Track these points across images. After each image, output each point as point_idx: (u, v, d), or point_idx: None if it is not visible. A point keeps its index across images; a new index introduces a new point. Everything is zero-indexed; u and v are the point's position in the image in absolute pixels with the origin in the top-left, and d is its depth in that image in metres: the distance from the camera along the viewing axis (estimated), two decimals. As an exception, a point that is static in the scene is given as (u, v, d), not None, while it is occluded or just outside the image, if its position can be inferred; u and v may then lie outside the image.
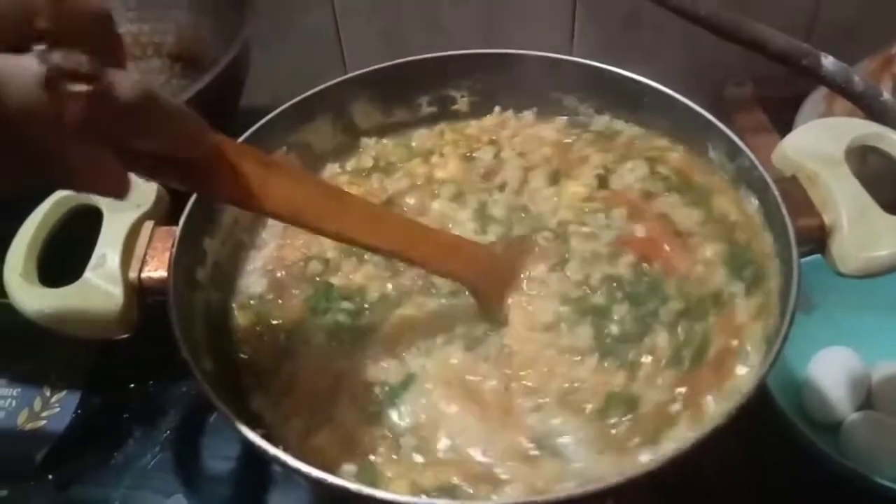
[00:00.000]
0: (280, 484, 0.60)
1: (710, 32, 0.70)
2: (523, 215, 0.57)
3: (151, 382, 0.68)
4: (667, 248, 0.52)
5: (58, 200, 0.53)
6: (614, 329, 0.48)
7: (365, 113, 0.65)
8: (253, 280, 0.56)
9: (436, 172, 0.61)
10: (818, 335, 0.67)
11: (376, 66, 0.63)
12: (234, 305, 0.54)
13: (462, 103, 0.66)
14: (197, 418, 0.65)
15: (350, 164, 0.63)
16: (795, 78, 0.71)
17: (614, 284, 0.51)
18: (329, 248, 0.55)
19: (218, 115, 0.73)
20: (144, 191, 0.53)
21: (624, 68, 0.59)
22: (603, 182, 0.58)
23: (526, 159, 0.61)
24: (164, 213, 0.54)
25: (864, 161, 0.62)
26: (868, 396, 0.66)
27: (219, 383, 0.47)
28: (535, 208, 0.57)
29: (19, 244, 0.51)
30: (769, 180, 0.48)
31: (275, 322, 0.52)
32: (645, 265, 0.51)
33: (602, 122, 0.63)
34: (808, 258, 0.62)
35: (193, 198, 0.53)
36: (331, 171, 0.63)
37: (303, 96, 0.61)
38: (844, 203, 0.47)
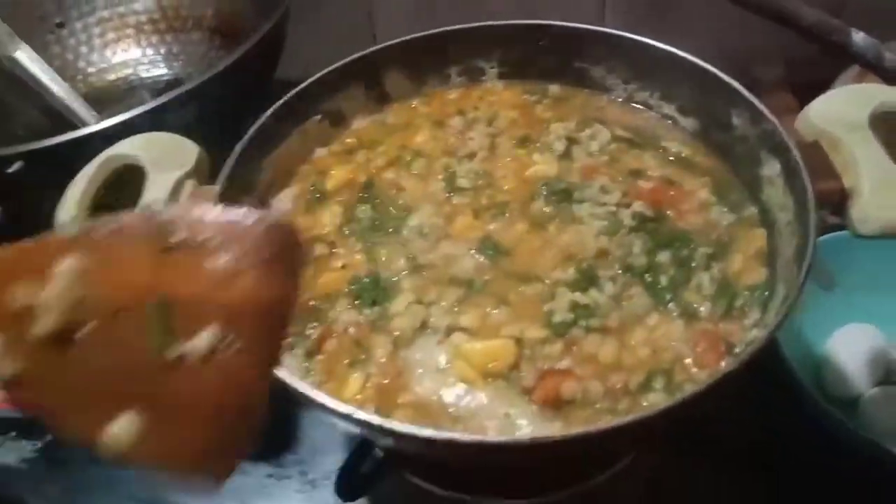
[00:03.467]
0: (305, 435, 0.62)
1: (738, 6, 0.70)
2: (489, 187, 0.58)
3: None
4: (671, 193, 0.55)
5: (106, 159, 0.56)
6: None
7: (396, 82, 0.66)
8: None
9: (410, 143, 0.63)
10: (839, 312, 0.68)
11: (408, 37, 0.65)
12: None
13: (491, 74, 0.68)
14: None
15: (335, 146, 0.64)
16: (826, 61, 0.70)
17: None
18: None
19: (253, 85, 0.77)
20: (187, 151, 0.56)
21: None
22: (566, 159, 0.59)
23: (493, 126, 0.63)
24: (204, 173, 0.56)
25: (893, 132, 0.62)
26: (888, 372, 0.66)
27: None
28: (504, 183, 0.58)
29: (70, 199, 0.53)
30: (791, 144, 0.49)
31: None
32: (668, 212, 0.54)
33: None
34: (832, 235, 0.63)
35: (232, 158, 0.55)
36: (319, 154, 0.64)
37: (337, 65, 0.63)
38: (866, 167, 0.47)
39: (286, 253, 0.33)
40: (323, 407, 0.41)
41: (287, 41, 0.83)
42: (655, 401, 0.44)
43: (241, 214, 0.33)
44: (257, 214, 0.35)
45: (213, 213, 0.33)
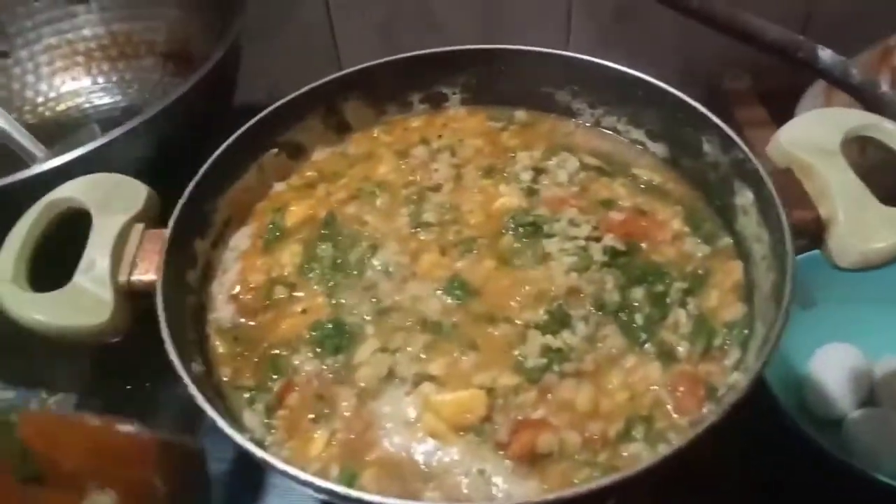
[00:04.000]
0: (277, 486, 0.59)
1: (702, 25, 0.69)
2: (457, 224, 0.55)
3: (148, 384, 0.68)
4: (644, 224, 0.53)
5: (47, 204, 0.53)
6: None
7: (356, 111, 0.64)
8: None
9: (373, 175, 0.60)
10: (819, 331, 0.67)
11: (366, 65, 0.62)
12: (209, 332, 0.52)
13: (454, 100, 0.66)
14: (194, 419, 0.64)
15: (295, 180, 0.62)
16: (794, 71, 0.70)
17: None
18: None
19: (210, 113, 0.74)
20: (134, 193, 0.53)
21: (621, 62, 0.59)
22: (533, 191, 0.57)
23: (458, 156, 0.61)
24: (154, 215, 0.53)
25: (864, 153, 0.61)
26: (870, 392, 0.66)
27: (209, 385, 0.47)
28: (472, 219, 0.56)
29: (9, 249, 0.50)
30: (763, 173, 0.48)
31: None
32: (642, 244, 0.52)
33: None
34: (808, 254, 0.62)
35: (183, 199, 0.52)
36: (277, 189, 0.61)
37: (293, 95, 0.60)
38: (840, 195, 0.46)
39: (184, 484, 0.25)
40: (284, 474, 0.39)
41: (249, 63, 0.80)
42: (636, 451, 0.42)
43: (127, 434, 0.26)
44: (147, 434, 0.28)
45: (92, 436, 0.26)
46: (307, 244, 0.56)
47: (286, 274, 0.54)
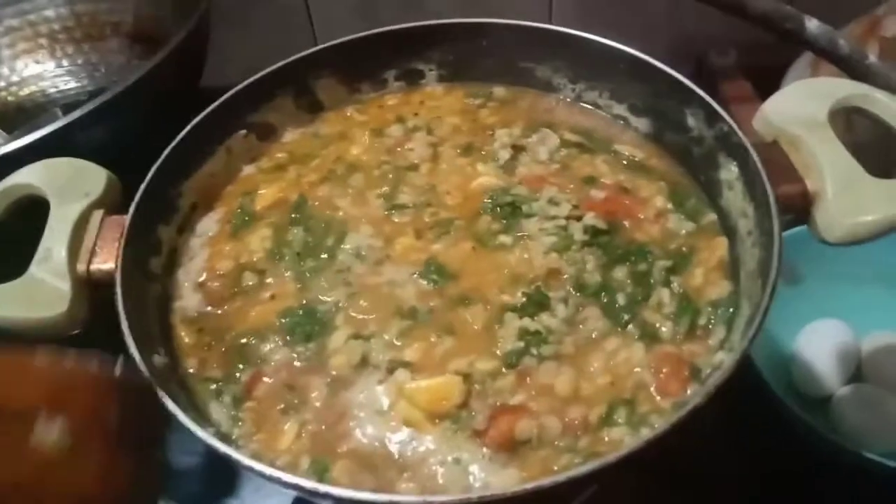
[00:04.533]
0: (247, 478, 0.57)
1: (688, -4, 0.67)
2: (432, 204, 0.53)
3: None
4: (626, 202, 0.51)
5: (2, 191, 0.51)
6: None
7: (329, 89, 0.62)
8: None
9: (346, 155, 0.58)
10: (806, 308, 0.66)
11: (338, 41, 0.60)
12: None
13: (430, 77, 0.63)
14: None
15: (264, 162, 0.59)
16: (781, 46, 0.68)
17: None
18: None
19: (175, 94, 0.71)
20: (94, 178, 0.51)
21: (605, 38, 0.56)
22: (511, 167, 0.55)
23: (434, 134, 0.59)
24: (115, 201, 0.51)
25: (850, 126, 0.60)
26: (858, 369, 0.65)
27: (175, 378, 0.45)
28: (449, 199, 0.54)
29: (-40, 238, 0.48)
30: (749, 146, 0.46)
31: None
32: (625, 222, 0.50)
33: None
34: (795, 230, 0.61)
35: (144, 184, 0.50)
36: (247, 171, 0.58)
37: (262, 73, 0.58)
38: (828, 167, 0.44)
39: (139, 418, 0.25)
40: (249, 469, 0.37)
41: (224, 45, 0.77)
42: (618, 436, 0.40)
43: (79, 366, 0.25)
44: (99, 365, 0.27)
45: (40, 368, 0.25)
46: (277, 228, 0.53)
47: (255, 260, 0.52)
